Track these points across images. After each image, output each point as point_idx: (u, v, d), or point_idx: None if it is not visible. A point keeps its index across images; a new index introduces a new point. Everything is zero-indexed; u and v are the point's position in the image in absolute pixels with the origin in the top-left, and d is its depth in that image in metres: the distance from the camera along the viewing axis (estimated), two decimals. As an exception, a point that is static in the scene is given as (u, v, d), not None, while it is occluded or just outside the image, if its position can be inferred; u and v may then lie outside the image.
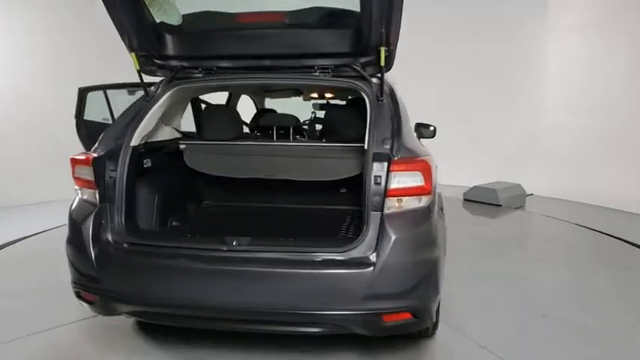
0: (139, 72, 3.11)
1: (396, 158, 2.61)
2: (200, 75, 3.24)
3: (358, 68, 3.03)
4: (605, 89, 7.56)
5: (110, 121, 5.11)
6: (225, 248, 2.62)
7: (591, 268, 4.82)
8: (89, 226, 2.77)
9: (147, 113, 3.06)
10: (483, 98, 8.94)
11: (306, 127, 4.54)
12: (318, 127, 4.44)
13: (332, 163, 3.44)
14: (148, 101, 3.13)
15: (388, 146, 2.67)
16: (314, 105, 5.10)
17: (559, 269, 4.87)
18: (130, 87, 4.66)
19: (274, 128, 3.63)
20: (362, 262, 2.49)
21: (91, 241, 2.74)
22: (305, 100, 5.77)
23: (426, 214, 2.61)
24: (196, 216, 3.72)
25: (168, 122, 3.54)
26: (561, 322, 3.51)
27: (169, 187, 3.57)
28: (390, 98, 2.95)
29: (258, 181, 3.63)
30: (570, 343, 3.22)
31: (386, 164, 2.59)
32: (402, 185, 2.55)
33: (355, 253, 2.53)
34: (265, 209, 3.88)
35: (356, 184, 3.52)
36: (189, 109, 4.13)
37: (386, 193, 2.55)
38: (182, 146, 3.68)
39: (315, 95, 5.56)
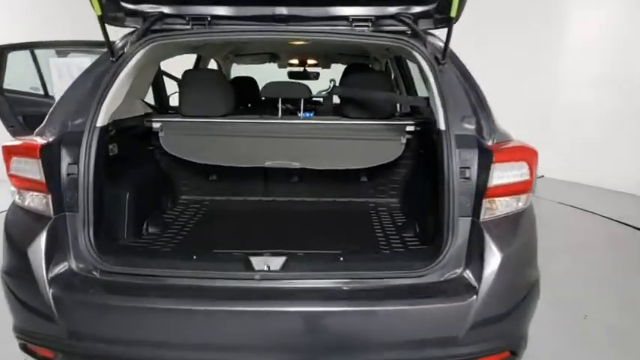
0: (100, 20, 2.12)
1: (490, 143, 1.93)
2: (187, 26, 2.31)
3: (409, 21, 2.27)
4: (626, 66, 6.63)
5: (41, 92, 3.94)
6: (256, 276, 1.82)
7: (617, 262, 4.40)
8: (40, 250, 1.85)
9: (116, 79, 2.12)
10: (494, 74, 7.95)
11: (319, 99, 3.70)
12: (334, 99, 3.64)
13: (363, 147, 2.70)
14: (114, 62, 2.17)
15: (473, 126, 1.98)
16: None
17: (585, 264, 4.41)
18: (70, 46, 3.55)
19: (279, 101, 2.78)
20: (452, 289, 1.82)
21: (44, 271, 1.82)
22: (290, 66, 4.91)
23: (529, 219, 1.98)
24: (178, 217, 2.82)
25: (137, 93, 2.59)
26: (603, 323, 3.09)
27: (142, 180, 2.65)
28: (452, 61, 2.23)
29: (253, 168, 2.80)
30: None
31: (477, 152, 1.91)
32: (504, 181, 1.88)
33: (435, 275, 1.85)
34: (265, 205, 3.05)
35: (377, 171, 2.82)
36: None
37: (483, 193, 1.87)
38: (156, 125, 2.74)
39: (295, 61, 4.72)
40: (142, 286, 1.83)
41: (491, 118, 2.01)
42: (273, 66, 5.13)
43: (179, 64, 3.17)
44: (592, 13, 7.06)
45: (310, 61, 4.68)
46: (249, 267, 1.89)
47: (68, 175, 1.93)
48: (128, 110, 2.41)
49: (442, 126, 2.00)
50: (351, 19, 2.28)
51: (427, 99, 2.29)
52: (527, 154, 1.91)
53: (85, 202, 1.92)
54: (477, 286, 1.79)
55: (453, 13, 2.02)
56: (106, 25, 2.15)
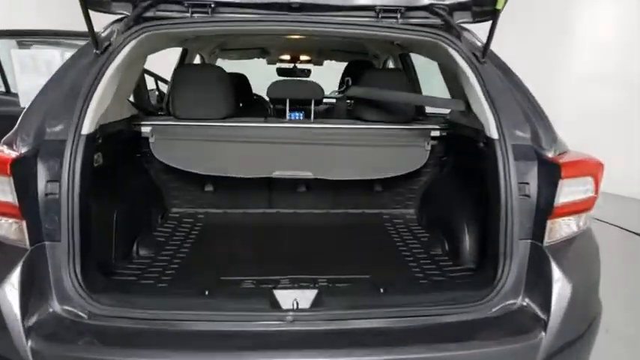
0: (83, 4, 1.74)
1: (551, 155, 1.69)
2: (186, 14, 1.96)
3: (444, 13, 2.00)
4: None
5: (2, 89, 3.45)
6: (288, 317, 1.50)
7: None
8: (13, 291, 1.47)
9: (103, 76, 1.75)
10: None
11: (332, 100, 3.36)
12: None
13: (384, 154, 2.41)
14: (99, 55, 1.80)
15: (528, 135, 1.73)
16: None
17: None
18: (35, 36, 3.09)
19: (287, 103, 2.45)
20: (518, 324, 1.56)
21: (19, 319, 1.44)
22: (281, 62, 4.56)
23: (592, 241, 1.75)
24: (172, 235, 2.45)
25: (124, 93, 2.21)
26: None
27: (130, 194, 2.28)
28: (491, 60, 1.97)
29: (255, 177, 2.47)
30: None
31: (536, 165, 1.66)
32: (571, 199, 1.64)
33: (491, 307, 1.60)
34: (269, 219, 2.71)
35: (393, 179, 2.55)
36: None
37: (548, 212, 1.62)
38: (145, 129, 2.36)
39: (287, 57, 4.38)
40: (145, 334, 1.48)
41: (549, 124, 1.77)
42: (259, 62, 4.77)
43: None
44: (596, 10, 6.72)
45: (303, 57, 4.35)
46: (275, 304, 1.57)
47: (47, 195, 1.56)
48: (114, 113, 2.03)
49: (494, 134, 1.74)
50: (378, 10, 1.98)
51: (466, 102, 2.02)
52: (593, 168, 1.68)
53: (70, 229, 1.55)
54: (546, 319, 1.54)
55: (499, 5, 1.76)
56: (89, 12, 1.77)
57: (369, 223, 2.67)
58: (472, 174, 2.23)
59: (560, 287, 1.56)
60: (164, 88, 4.13)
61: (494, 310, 1.59)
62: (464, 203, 2.22)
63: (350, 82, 2.42)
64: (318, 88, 2.42)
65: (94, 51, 1.79)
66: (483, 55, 1.89)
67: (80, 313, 1.51)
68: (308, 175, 2.35)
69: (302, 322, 1.50)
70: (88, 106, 1.66)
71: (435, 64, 2.51)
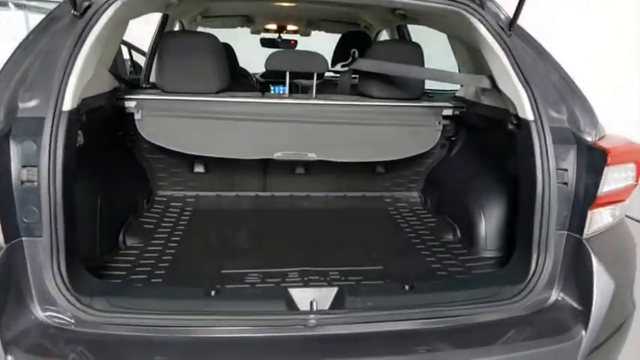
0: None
1: (591, 139, 1.55)
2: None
3: None
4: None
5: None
6: (310, 321, 1.33)
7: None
8: None
9: (85, 42, 1.48)
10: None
11: (336, 75, 3.11)
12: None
13: (393, 134, 2.23)
14: (78, 17, 1.53)
15: (564, 116, 1.59)
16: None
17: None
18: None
19: (287, 75, 2.21)
20: (558, 322, 1.45)
21: None
22: (266, 32, 4.26)
23: (627, 233, 1.65)
24: (160, 221, 2.22)
25: (105, 62, 1.93)
26: None
27: (114, 177, 2.03)
28: (516, 34, 1.81)
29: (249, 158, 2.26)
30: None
31: (575, 149, 1.53)
32: (613, 187, 1.52)
33: (526, 303, 1.48)
34: (264, 202, 2.51)
35: (397, 160, 2.39)
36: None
37: (590, 201, 1.50)
38: (130, 104, 2.09)
39: (273, 26, 4.09)
40: (146, 343, 1.28)
41: (588, 105, 1.63)
42: (240, 32, 4.45)
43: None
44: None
45: (290, 27, 4.06)
46: (291, 306, 1.40)
47: (23, 183, 1.31)
48: (96, 85, 1.77)
49: (528, 115, 1.58)
50: None
51: (491, 78, 1.86)
52: (637, 154, 1.55)
53: (52, 222, 1.32)
54: (587, 317, 1.43)
55: None
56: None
57: (372, 207, 2.51)
58: (490, 156, 2.09)
59: (602, 283, 1.45)
60: (138, 59, 3.80)
61: (528, 305, 1.47)
62: (479, 187, 2.09)
63: (357, 54, 2.20)
64: (322, 61, 2.20)
65: (72, 12, 1.52)
66: (510, 27, 1.72)
67: (68, 320, 1.30)
68: (312, 157, 2.16)
69: (324, 325, 1.33)
70: (69, 78, 1.40)
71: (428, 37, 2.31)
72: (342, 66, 2.25)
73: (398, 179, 2.59)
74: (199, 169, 2.44)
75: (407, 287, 1.51)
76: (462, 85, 2.57)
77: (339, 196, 2.58)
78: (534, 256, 1.53)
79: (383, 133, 2.21)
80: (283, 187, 2.54)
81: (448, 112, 2.26)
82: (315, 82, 2.22)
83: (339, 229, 2.24)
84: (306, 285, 1.69)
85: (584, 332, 1.42)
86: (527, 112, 1.59)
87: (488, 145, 2.11)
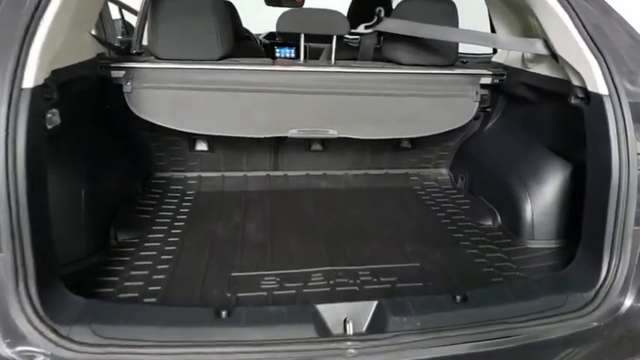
0: None
1: None
2: None
3: None
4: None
5: None
6: (350, 350, 1.09)
7: None
8: None
9: None
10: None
11: (355, 38, 2.75)
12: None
13: (425, 106, 1.95)
14: None
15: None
16: None
17: None
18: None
19: (301, 38, 1.90)
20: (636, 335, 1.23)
21: None
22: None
23: None
24: (157, 209, 1.96)
25: (84, 21, 1.62)
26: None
27: (100, 162, 1.76)
28: None
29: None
30: None
31: None
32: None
33: (599, 312, 1.25)
34: (276, 184, 2.24)
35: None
36: None
37: None
38: (117, 74, 1.79)
39: None
40: None
41: None
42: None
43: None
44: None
45: None
46: (322, 329, 1.16)
47: None
48: (73, 52, 1.46)
49: (601, 88, 1.31)
50: None
51: (545, 42, 1.56)
52: None
53: (15, 231, 1.05)
54: None
55: None
56: None
57: (397, 187, 2.26)
58: (540, 132, 1.82)
59: None
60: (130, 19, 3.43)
61: (600, 316, 1.25)
62: (525, 167, 1.83)
63: (382, 13, 1.88)
64: (343, 21, 1.88)
65: None
66: None
67: (41, 358, 1.05)
68: (332, 134, 1.88)
69: (366, 355, 1.10)
70: (30, 45, 1.10)
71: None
72: (366, 27, 1.94)
73: (425, 155, 2.32)
74: (202, 146, 2.17)
75: (458, 298, 1.28)
76: (494, 51, 2.27)
77: (360, 174, 2.31)
78: (606, 257, 1.29)
79: (413, 105, 1.93)
80: (298, 166, 2.27)
81: (487, 80, 1.97)
82: (334, 47, 1.91)
83: (363, 214, 2.00)
84: (333, 290, 1.46)
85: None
86: (599, 85, 1.31)
87: (537, 120, 1.83)
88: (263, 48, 3.22)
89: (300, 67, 1.89)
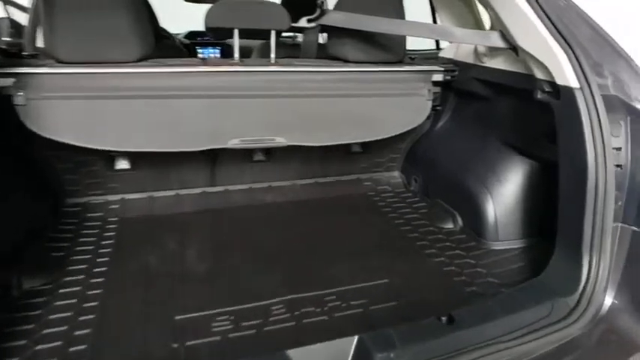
0: None
1: None
2: None
3: None
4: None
5: None
6: None
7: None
8: None
9: None
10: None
11: (289, 36, 2.47)
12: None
13: (378, 107, 1.81)
14: None
15: (608, 81, 1.26)
16: None
17: None
18: None
19: (235, 35, 1.67)
20: (626, 337, 1.17)
21: None
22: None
23: None
24: (72, 244, 1.62)
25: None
26: None
27: None
28: None
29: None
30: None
31: (627, 123, 1.22)
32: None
33: (585, 316, 1.19)
34: (215, 201, 1.97)
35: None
36: None
37: None
38: (5, 82, 1.45)
39: None
40: None
41: (636, 66, 1.30)
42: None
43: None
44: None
45: None
46: None
47: None
48: None
49: (572, 81, 1.23)
50: None
51: (502, 35, 1.48)
52: None
53: None
54: None
55: None
56: None
57: (350, 194, 2.10)
58: (498, 129, 1.74)
59: None
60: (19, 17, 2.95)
61: (587, 320, 1.17)
62: (484, 166, 1.75)
63: (325, 5, 1.71)
64: (282, 14, 1.67)
65: None
66: None
67: None
68: (280, 142, 1.68)
69: None
70: None
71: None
72: (309, 20, 1.75)
73: (376, 158, 2.19)
74: (123, 164, 1.86)
75: (444, 320, 1.14)
76: (437, 46, 2.20)
77: (309, 183, 2.12)
78: (586, 256, 1.22)
79: (366, 107, 1.78)
80: (238, 179, 2.03)
81: (438, 77, 1.87)
82: (273, 43, 1.70)
83: (317, 228, 1.82)
84: (299, 323, 1.26)
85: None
86: (569, 78, 1.24)
87: (493, 116, 1.76)
88: (185, 48, 2.93)
89: (237, 67, 1.66)
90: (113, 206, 1.86)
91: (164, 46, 2.62)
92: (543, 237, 1.65)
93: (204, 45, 3.15)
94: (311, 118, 1.73)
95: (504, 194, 1.69)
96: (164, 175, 1.94)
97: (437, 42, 2.65)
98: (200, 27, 3.25)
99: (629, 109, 1.23)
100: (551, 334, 1.12)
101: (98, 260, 1.53)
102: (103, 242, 1.65)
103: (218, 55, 3.23)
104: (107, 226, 1.75)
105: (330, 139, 1.78)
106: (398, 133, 1.87)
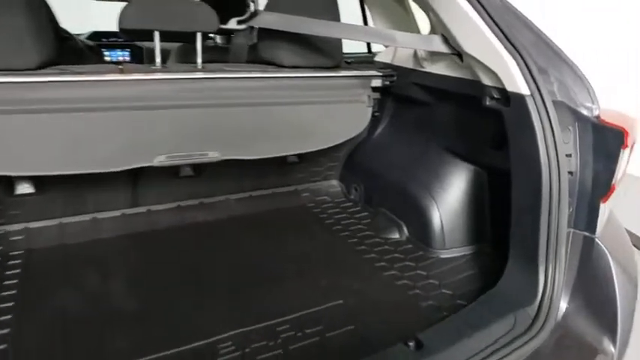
0: None
1: (591, 114, 1.26)
2: None
3: None
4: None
5: None
6: None
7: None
8: None
9: None
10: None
11: (212, 37, 2.20)
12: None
13: (315, 115, 1.70)
14: None
15: (554, 86, 1.27)
16: None
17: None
18: None
19: (156, 37, 1.46)
20: (582, 342, 1.18)
21: None
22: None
23: (621, 229, 1.44)
24: None
25: None
26: None
27: None
28: None
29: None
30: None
31: (575, 129, 1.23)
32: (621, 173, 1.25)
33: (548, 325, 1.18)
34: (138, 224, 1.75)
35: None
36: None
37: (605, 192, 1.22)
38: None
39: None
40: None
41: (580, 72, 1.32)
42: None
43: None
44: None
45: None
46: None
47: None
48: None
49: (522, 88, 1.21)
50: None
51: (444, 38, 1.44)
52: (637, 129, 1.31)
53: None
54: (613, 328, 1.18)
55: None
56: None
57: (288, 207, 1.97)
58: (440, 135, 1.71)
59: (624, 287, 1.20)
60: None
61: (548, 328, 1.16)
62: (427, 172, 1.72)
63: (256, 5, 1.56)
64: (209, 14, 1.50)
65: None
66: None
67: None
68: (214, 157, 1.51)
69: None
70: None
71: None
72: (239, 22, 1.59)
73: (314, 167, 2.08)
74: (25, 188, 1.57)
75: (412, 346, 1.06)
76: (369, 49, 2.14)
77: (243, 197, 1.96)
78: (542, 263, 1.21)
79: (304, 115, 1.67)
80: (165, 197, 1.82)
81: (377, 82, 1.81)
82: (199, 47, 1.53)
83: (257, 247, 1.67)
84: None
85: (613, 349, 1.16)
86: (519, 84, 1.22)
87: (434, 122, 1.73)
88: (90, 51, 2.61)
89: (159, 75, 1.46)
90: (16, 237, 1.57)
91: (67, 49, 2.31)
92: (489, 243, 1.65)
93: (111, 47, 2.85)
94: (246, 129, 1.58)
95: (449, 201, 1.66)
96: (76, 197, 1.68)
97: (368, 45, 2.62)
98: (103, 27, 2.93)
99: (576, 115, 1.24)
100: (520, 348, 1.09)
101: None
102: (5, 282, 1.37)
103: (127, 59, 2.95)
104: (9, 262, 1.47)
105: (268, 151, 1.64)
106: (339, 142, 1.78)
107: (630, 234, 1.53)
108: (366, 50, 2.56)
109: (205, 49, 1.77)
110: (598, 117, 1.24)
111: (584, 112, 1.24)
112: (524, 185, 1.24)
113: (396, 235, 1.76)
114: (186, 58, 1.92)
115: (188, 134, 1.49)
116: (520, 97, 1.21)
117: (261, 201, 1.97)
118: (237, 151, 1.56)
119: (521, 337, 1.11)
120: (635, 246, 1.52)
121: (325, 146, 1.75)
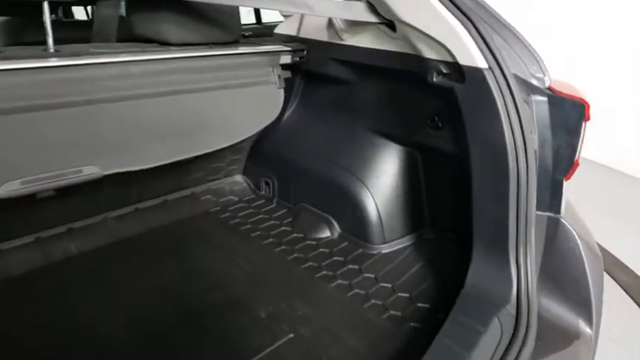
0: None
1: (543, 86, 1.16)
2: None
3: None
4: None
5: None
6: None
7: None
8: None
9: None
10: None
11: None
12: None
13: (224, 102, 1.35)
14: None
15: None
16: None
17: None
18: None
19: (46, 11, 0.97)
20: (562, 331, 1.12)
21: None
22: None
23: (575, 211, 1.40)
24: None
25: None
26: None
27: None
28: None
29: None
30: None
31: (532, 103, 1.13)
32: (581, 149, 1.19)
33: (532, 319, 1.09)
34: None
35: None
36: None
37: (567, 169, 1.14)
38: None
39: None
40: None
41: (528, 42, 1.20)
42: None
43: None
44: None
45: None
46: None
47: None
48: None
49: (479, 61, 1.05)
50: None
51: (370, 5, 1.21)
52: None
53: None
54: (588, 310, 1.13)
55: None
56: None
57: (189, 216, 1.60)
58: (368, 115, 1.50)
59: (592, 268, 1.16)
60: None
61: (534, 325, 1.06)
62: (355, 160, 1.51)
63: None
64: None
65: None
66: None
67: None
68: (91, 173, 1.09)
69: None
70: None
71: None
72: None
73: (214, 164, 1.72)
74: None
75: None
76: (258, 20, 1.81)
77: (127, 213, 1.53)
78: (512, 253, 1.11)
79: (207, 104, 1.31)
80: (19, 230, 1.31)
81: (286, 59, 1.51)
82: (48, 23, 1.06)
83: (156, 279, 1.29)
84: None
85: (589, 329, 1.12)
86: (475, 57, 1.05)
87: (360, 102, 1.51)
88: None
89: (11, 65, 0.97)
90: None
91: None
92: (428, 228, 1.53)
93: None
94: (129, 131, 1.18)
95: (383, 188, 1.48)
96: None
97: (257, 15, 2.22)
98: None
99: (530, 87, 1.13)
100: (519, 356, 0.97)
101: None
102: None
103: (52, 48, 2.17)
104: None
105: (161, 156, 1.25)
106: (251, 134, 1.47)
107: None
108: (254, 21, 2.19)
109: (56, 24, 1.29)
110: (550, 89, 1.14)
111: (539, 84, 1.14)
112: (488, 168, 1.10)
113: (327, 234, 1.54)
114: (22, 37, 1.38)
115: (49, 146, 1.04)
116: (477, 71, 1.05)
117: (152, 214, 1.57)
118: (122, 162, 1.16)
119: (512, 345, 0.99)
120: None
121: (234, 142, 1.43)
